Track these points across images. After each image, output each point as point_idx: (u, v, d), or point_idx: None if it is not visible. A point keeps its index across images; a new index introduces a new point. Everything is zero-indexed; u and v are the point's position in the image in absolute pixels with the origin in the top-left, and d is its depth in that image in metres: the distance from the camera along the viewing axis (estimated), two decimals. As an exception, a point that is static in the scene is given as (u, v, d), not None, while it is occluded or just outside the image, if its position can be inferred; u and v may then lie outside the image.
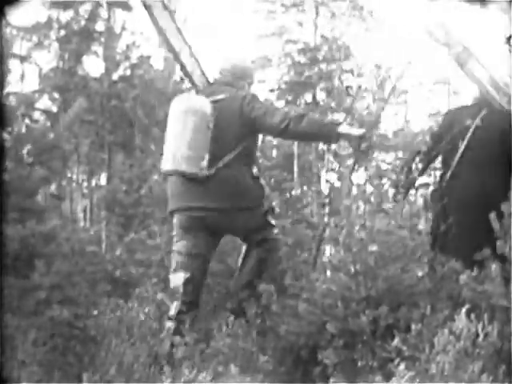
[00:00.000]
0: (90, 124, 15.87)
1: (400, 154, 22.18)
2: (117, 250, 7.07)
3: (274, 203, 4.45)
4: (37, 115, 17.02)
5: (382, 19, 21.39)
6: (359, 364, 3.11)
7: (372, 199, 4.56)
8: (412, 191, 4.54)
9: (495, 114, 4.12)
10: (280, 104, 20.76)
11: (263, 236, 4.08)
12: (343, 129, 3.82)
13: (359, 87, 21.20)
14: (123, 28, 16.44)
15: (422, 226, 4.22)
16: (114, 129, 15.51)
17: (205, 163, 3.87)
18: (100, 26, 16.65)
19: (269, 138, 14.91)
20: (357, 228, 3.56)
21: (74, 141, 16.41)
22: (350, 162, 17.18)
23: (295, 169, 19.24)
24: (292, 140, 5.50)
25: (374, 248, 3.40)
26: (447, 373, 2.75)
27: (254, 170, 4.13)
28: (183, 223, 3.98)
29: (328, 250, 4.81)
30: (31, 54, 18.20)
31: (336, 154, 20.02)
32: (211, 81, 4.33)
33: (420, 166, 4.47)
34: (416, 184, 4.52)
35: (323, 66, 20.93)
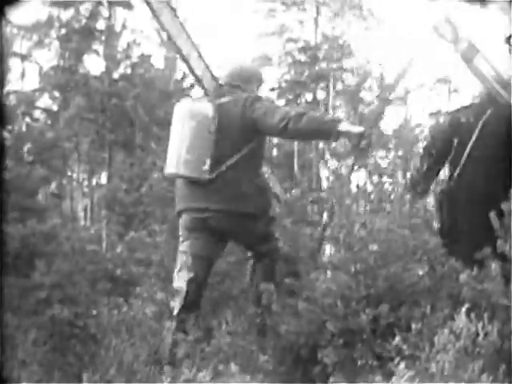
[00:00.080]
0: (91, 122, 15.88)
1: (400, 153, 22.21)
2: (117, 248, 7.08)
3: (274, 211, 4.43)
4: (37, 114, 17.05)
5: (383, 18, 21.41)
6: (359, 363, 3.11)
7: (372, 198, 4.56)
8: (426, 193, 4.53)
9: (501, 111, 4.11)
10: (281, 103, 20.77)
11: (268, 248, 4.07)
12: (343, 126, 3.81)
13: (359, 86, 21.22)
14: (124, 26, 16.45)
15: (435, 225, 4.25)
16: (114, 127, 15.51)
17: (206, 167, 3.87)
18: (101, 25, 16.67)
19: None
20: (357, 227, 3.56)
21: (74, 139, 16.43)
22: (349, 161, 17.20)
23: (295, 167, 19.25)
24: (293, 139, 5.51)
25: (374, 247, 3.40)
26: (447, 372, 2.75)
27: (262, 174, 4.13)
28: (188, 224, 3.99)
29: (328, 249, 4.81)
30: (32, 53, 18.23)
31: (336, 153, 20.02)
32: (221, 84, 4.33)
33: (432, 168, 4.47)
34: (432, 186, 4.53)
35: (324, 64, 20.93)
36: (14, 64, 17.83)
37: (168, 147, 4.06)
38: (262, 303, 3.64)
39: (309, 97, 21.75)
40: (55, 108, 17.29)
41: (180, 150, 3.92)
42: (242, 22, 41.26)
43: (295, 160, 19.30)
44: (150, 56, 16.83)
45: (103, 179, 18.07)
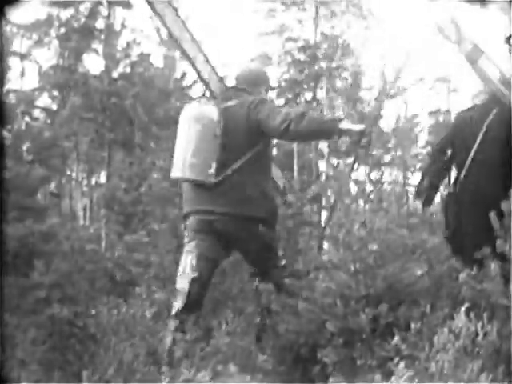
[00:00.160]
0: (90, 122, 15.86)
1: (399, 152, 22.21)
2: (116, 248, 7.07)
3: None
4: (37, 113, 17.04)
5: (382, 18, 21.42)
6: (358, 363, 3.11)
7: (372, 197, 4.56)
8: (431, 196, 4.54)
9: (506, 112, 4.11)
10: (280, 102, 20.75)
11: (273, 263, 4.03)
12: (344, 125, 3.82)
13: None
14: (123, 26, 16.42)
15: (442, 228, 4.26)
16: (113, 127, 15.49)
17: (212, 171, 3.88)
18: (100, 24, 16.65)
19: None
20: (356, 227, 3.56)
21: (73, 139, 16.42)
22: (349, 160, 17.21)
23: (295, 167, 19.24)
24: (295, 140, 5.52)
25: (374, 247, 3.40)
26: (446, 371, 2.75)
27: (269, 177, 4.13)
28: (194, 226, 4.00)
29: (328, 248, 4.81)
30: (31, 52, 18.22)
31: (335, 152, 20.02)
32: (228, 87, 4.34)
33: (440, 173, 4.48)
34: (440, 190, 4.54)
35: (323, 63, 20.92)
36: (13, 63, 17.83)
37: (173, 149, 4.07)
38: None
39: (308, 96, 21.75)
40: (55, 107, 17.29)
41: (186, 154, 3.94)
42: (242, 22, 41.28)
43: (295, 160, 19.29)
44: (149, 55, 16.82)
45: (102, 178, 18.07)
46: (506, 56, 4.12)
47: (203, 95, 5.85)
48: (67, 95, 15.88)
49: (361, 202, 4.44)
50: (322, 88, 21.01)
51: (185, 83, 17.55)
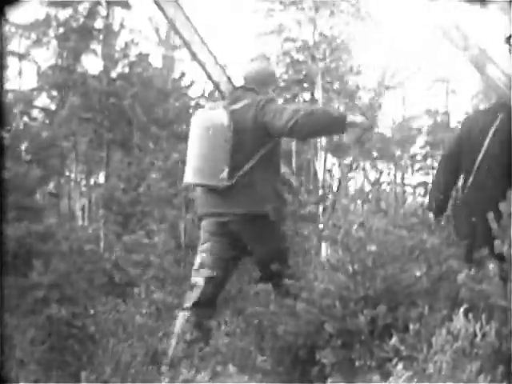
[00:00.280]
0: (88, 122, 15.83)
1: (398, 152, 22.19)
2: (115, 248, 7.07)
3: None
4: (35, 113, 17.02)
5: (381, 18, 21.42)
6: (357, 364, 3.11)
7: (370, 198, 4.56)
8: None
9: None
10: (279, 101, 20.72)
11: (279, 270, 4.03)
12: (350, 118, 3.86)
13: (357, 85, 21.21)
14: (122, 26, 16.40)
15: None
16: (112, 127, 15.46)
17: (224, 175, 3.91)
18: (99, 24, 16.61)
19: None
20: (355, 227, 3.56)
21: (72, 139, 16.40)
22: (347, 160, 17.20)
23: (293, 167, 19.23)
24: (304, 137, 5.54)
25: (372, 248, 3.39)
26: (445, 373, 2.75)
27: (279, 175, 4.15)
28: (209, 227, 4.07)
29: (326, 249, 4.81)
30: (30, 52, 18.17)
31: (335, 152, 20.01)
32: (237, 87, 4.35)
33: (451, 181, 4.48)
34: (451, 199, 4.53)
35: (322, 64, 20.92)
36: (11, 63, 17.80)
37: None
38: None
39: (306, 96, 21.74)
40: (53, 107, 17.26)
41: (198, 160, 4.00)
42: (241, 22, 41.23)
43: (293, 160, 19.28)
44: (147, 55, 16.80)
45: (101, 178, 18.02)
46: (506, 56, 4.13)
47: (202, 95, 5.88)
48: (66, 95, 15.85)
49: (359, 203, 4.44)
50: (320, 88, 21.01)
51: (183, 83, 17.54)
